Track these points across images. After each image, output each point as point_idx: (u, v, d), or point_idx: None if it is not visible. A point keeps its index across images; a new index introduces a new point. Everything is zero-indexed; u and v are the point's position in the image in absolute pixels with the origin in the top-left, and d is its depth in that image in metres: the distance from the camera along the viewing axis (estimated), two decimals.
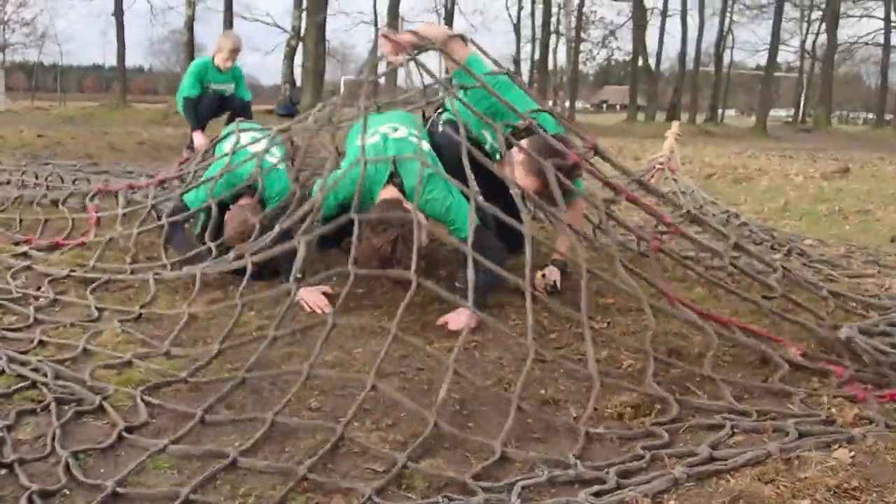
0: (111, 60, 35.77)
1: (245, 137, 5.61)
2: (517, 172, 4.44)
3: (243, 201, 5.08)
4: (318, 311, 4.42)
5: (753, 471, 2.87)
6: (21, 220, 6.23)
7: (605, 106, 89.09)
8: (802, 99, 57.35)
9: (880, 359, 3.87)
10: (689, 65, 48.23)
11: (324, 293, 4.56)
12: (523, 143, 4.43)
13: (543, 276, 4.67)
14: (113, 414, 3.18)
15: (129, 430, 3.05)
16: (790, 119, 57.28)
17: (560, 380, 3.71)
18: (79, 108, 29.80)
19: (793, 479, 2.78)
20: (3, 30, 48.46)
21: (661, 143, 10.70)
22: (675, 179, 9.86)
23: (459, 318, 4.16)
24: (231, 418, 3.19)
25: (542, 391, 3.58)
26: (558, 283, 4.68)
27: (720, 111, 53.58)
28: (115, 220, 5.79)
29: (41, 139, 11.06)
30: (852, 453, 2.98)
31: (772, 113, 56.04)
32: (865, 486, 2.74)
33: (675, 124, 11.27)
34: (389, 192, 4.48)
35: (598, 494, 2.69)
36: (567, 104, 41.80)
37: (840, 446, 3.06)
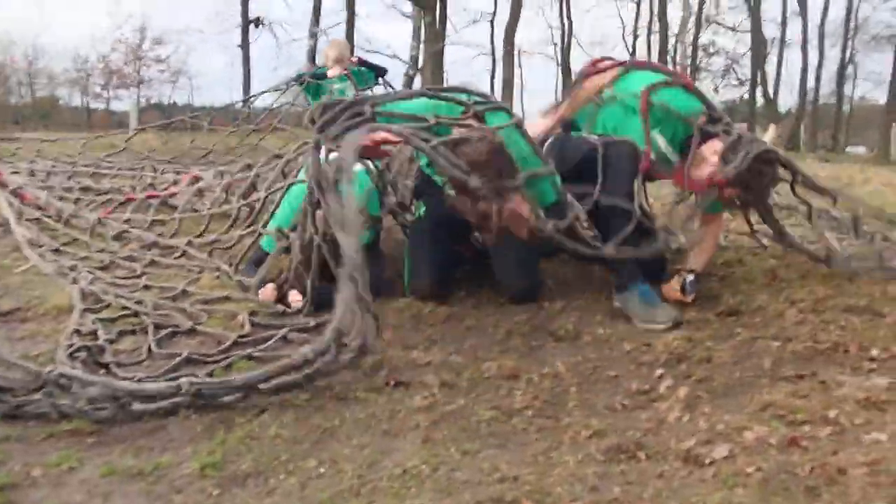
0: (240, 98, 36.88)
1: None
2: (708, 171, 4.16)
3: None
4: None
5: (788, 387, 3.10)
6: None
7: None
8: None
9: None
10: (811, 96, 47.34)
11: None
12: (717, 143, 4.17)
13: (680, 273, 4.35)
14: (211, 331, 3.61)
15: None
16: None
17: None
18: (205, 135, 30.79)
19: (826, 396, 2.99)
20: (139, 66, 50.42)
21: None
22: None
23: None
24: None
25: None
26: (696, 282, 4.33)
27: (843, 145, 52.17)
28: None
29: (167, 145, 11.65)
30: (890, 379, 3.18)
31: None
32: (894, 401, 2.92)
33: (772, 127, 11.32)
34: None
35: None
36: None
37: (880, 374, 3.25)
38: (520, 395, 3.00)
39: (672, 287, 4.27)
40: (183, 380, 2.77)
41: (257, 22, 39.23)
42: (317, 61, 34.09)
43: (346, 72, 8.93)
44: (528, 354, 3.53)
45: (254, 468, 2.39)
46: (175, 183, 6.56)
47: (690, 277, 4.26)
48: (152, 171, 8.15)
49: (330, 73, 9.17)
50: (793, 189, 4.45)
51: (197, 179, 6.43)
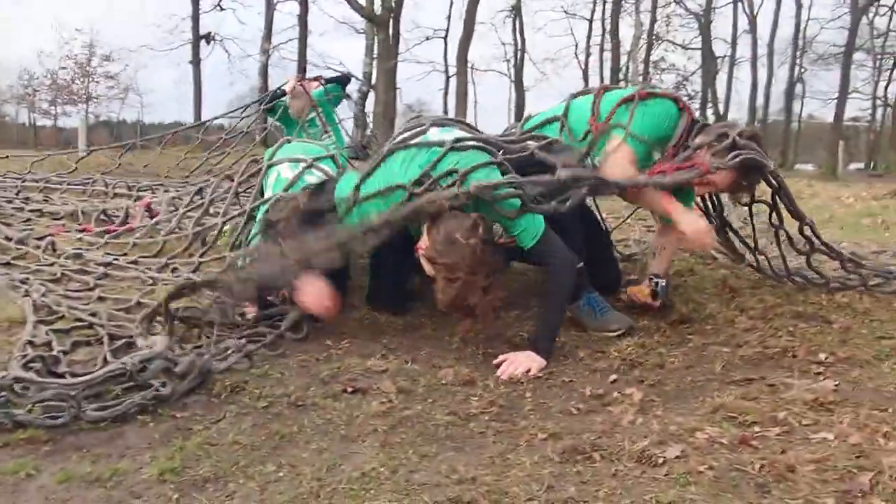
0: (190, 118, 36.79)
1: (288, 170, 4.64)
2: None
3: None
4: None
5: (738, 390, 3.17)
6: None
7: None
8: (875, 147, 56.48)
9: None
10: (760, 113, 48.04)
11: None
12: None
13: (651, 279, 4.34)
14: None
15: None
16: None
17: None
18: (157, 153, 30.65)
19: (775, 398, 3.06)
20: (88, 82, 49.97)
21: None
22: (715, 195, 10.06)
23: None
24: None
25: None
26: (667, 287, 4.38)
27: (792, 161, 52.97)
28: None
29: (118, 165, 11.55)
30: (836, 382, 3.27)
31: (851, 167, 55.16)
32: (841, 402, 3.01)
33: None
34: None
35: None
36: None
37: (826, 377, 3.34)
38: (476, 401, 3.04)
39: (642, 292, 4.30)
40: None
41: (208, 38, 39.08)
42: (269, 78, 34.09)
43: (312, 103, 8.83)
44: (485, 362, 3.56)
45: (213, 473, 2.40)
46: (128, 215, 6.52)
47: (662, 283, 4.32)
48: (104, 186, 8.15)
49: (289, 93, 9.04)
50: (774, 203, 4.46)
51: (149, 207, 6.43)
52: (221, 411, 2.86)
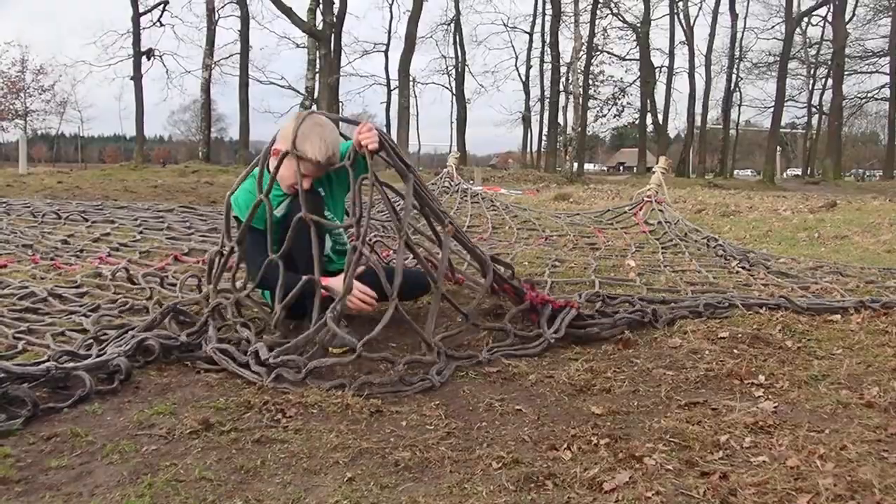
0: (131, 131, 36.63)
1: None
2: None
3: None
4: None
5: (683, 414, 3.31)
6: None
7: (622, 168, 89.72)
8: (811, 154, 57.60)
9: None
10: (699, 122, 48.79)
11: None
12: None
13: None
14: None
15: None
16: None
17: None
18: (99, 171, 30.51)
19: (718, 422, 3.21)
20: (24, 97, 49.43)
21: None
22: (661, 210, 10.31)
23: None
24: None
25: None
26: None
27: (730, 168, 53.83)
28: None
29: (61, 184, 11.62)
30: (775, 404, 3.42)
31: (788, 172, 56.11)
32: (780, 424, 3.16)
33: (661, 159, 11.75)
34: None
35: None
36: (576, 163, 41.59)
37: (766, 399, 3.50)
38: (432, 431, 3.14)
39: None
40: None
41: (150, 54, 38.90)
42: (211, 93, 33.99)
43: None
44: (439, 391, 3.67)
45: None
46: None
47: None
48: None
49: None
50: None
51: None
52: (186, 447, 2.93)
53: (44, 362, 3.52)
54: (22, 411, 3.11)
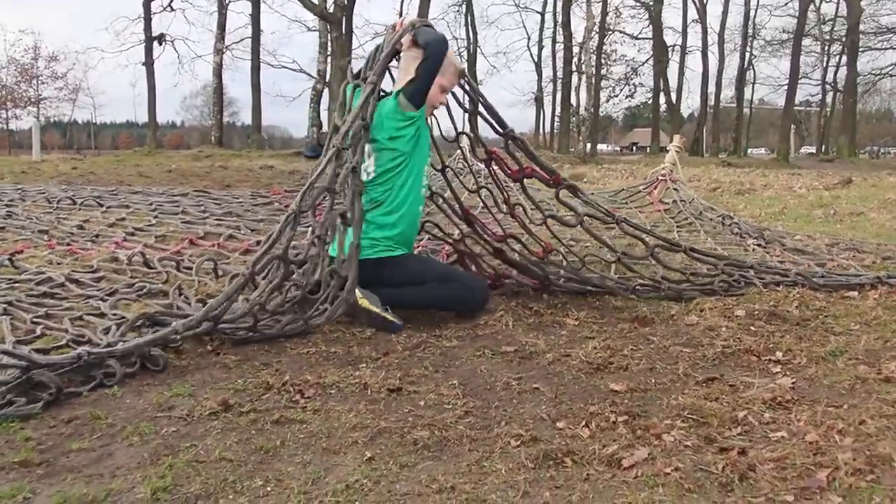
0: (143, 117, 36.70)
1: None
2: None
3: None
4: None
5: (701, 390, 3.31)
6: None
7: (634, 148, 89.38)
8: (825, 132, 57.29)
9: None
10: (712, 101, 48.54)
11: None
12: None
13: None
14: None
15: None
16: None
17: None
18: (113, 157, 30.58)
19: (735, 398, 3.20)
20: (37, 84, 49.50)
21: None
22: (676, 189, 10.29)
23: None
24: None
25: None
26: None
27: (744, 147, 53.55)
28: None
29: (75, 170, 11.66)
30: (793, 380, 3.42)
31: (803, 150, 55.79)
32: (798, 400, 3.16)
33: (676, 137, 11.71)
34: None
35: None
36: (588, 143, 41.41)
37: (784, 375, 3.50)
38: (450, 410, 3.15)
39: None
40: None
41: (161, 39, 38.88)
42: (223, 78, 33.96)
43: None
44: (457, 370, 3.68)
45: (203, 490, 2.48)
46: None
47: None
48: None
49: None
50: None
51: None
52: (206, 428, 2.95)
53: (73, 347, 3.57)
54: (43, 395, 3.13)
